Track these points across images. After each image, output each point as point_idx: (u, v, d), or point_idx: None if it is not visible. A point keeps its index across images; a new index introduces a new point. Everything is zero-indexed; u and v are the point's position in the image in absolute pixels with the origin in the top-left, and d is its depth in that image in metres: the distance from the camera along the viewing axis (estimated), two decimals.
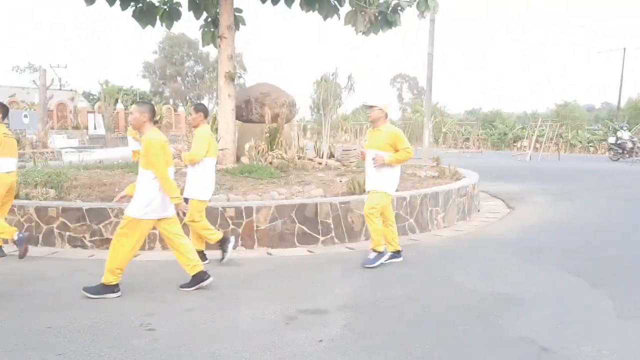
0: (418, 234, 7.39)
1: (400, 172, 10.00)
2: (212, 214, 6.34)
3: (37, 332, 3.70)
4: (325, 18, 10.87)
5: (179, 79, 78.61)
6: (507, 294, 4.62)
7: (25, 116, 32.87)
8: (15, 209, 6.50)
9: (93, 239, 6.34)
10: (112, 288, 4.51)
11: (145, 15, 11.02)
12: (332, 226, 6.76)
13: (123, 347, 3.42)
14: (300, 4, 10.67)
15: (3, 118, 5.76)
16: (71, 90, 40.29)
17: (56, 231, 6.39)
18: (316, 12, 10.77)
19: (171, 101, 65.62)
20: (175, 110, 48.79)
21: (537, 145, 26.33)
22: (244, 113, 11.49)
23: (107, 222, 6.31)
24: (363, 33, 10.91)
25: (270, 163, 10.36)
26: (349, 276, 5.18)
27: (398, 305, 4.33)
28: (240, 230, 6.42)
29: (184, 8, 11.33)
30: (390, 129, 5.54)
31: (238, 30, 12.42)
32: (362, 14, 10.52)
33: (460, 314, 4.09)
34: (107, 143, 36.53)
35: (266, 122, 10.76)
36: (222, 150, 10.38)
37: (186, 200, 5.37)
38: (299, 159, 10.92)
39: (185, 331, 3.72)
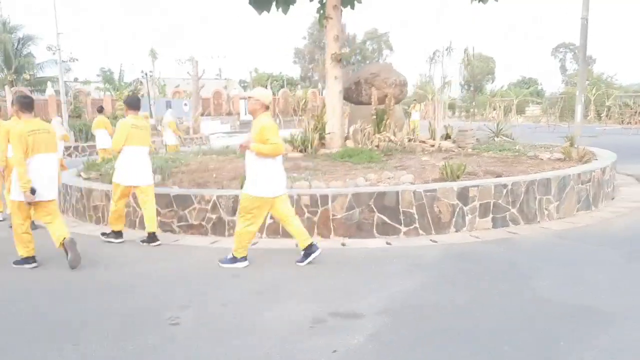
0: (521, 226, 6.50)
1: (517, 153, 9.08)
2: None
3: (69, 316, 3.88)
4: None
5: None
6: (592, 307, 3.77)
7: (185, 104, 36.21)
8: None
9: (180, 224, 6.60)
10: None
11: (260, 2, 11.18)
12: (415, 216, 6.22)
13: (137, 342, 3.42)
14: None
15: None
16: (225, 79, 43.29)
17: None
18: None
19: (319, 85, 67.53)
20: (320, 93, 50.03)
21: None
22: (354, 95, 11.19)
23: (191, 208, 6.51)
24: (479, 1, 9.90)
25: (377, 146, 9.94)
26: (411, 274, 4.68)
27: (448, 313, 3.77)
28: (315, 218, 6.20)
29: None
30: (262, 121, 5.04)
31: (353, 9, 12.10)
32: None
33: (518, 332, 3.41)
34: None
35: (372, 103, 10.32)
36: (328, 134, 10.25)
37: None
38: (409, 141, 10.35)
39: (206, 328, 3.62)
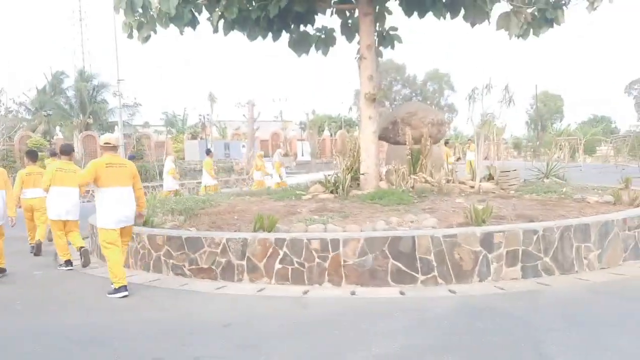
0: (555, 276, 5.87)
1: (562, 196, 8.38)
2: (297, 247, 5.93)
3: None
4: (472, 24, 9.74)
5: (387, 103, 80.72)
6: None
7: (243, 146, 37.06)
8: (135, 235, 7.01)
9: (191, 267, 6.46)
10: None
11: (299, 44, 11.25)
12: (434, 263, 5.75)
13: None
14: (443, 12, 9.73)
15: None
16: (283, 120, 44.16)
17: (162, 258, 6.69)
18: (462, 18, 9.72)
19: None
20: None
21: None
22: (391, 135, 10.89)
23: (201, 251, 6.37)
24: (519, 37, 9.46)
25: (412, 187, 9.53)
26: (409, 332, 4.23)
27: None
28: (326, 264, 5.87)
29: (337, 33, 11.34)
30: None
31: (393, 49, 11.95)
32: (517, 14, 9.11)
33: None
34: (312, 168, 39.01)
35: (407, 143, 9.98)
36: (362, 174, 9.97)
37: None
38: (447, 182, 9.86)
39: None
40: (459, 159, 15.55)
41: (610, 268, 6.16)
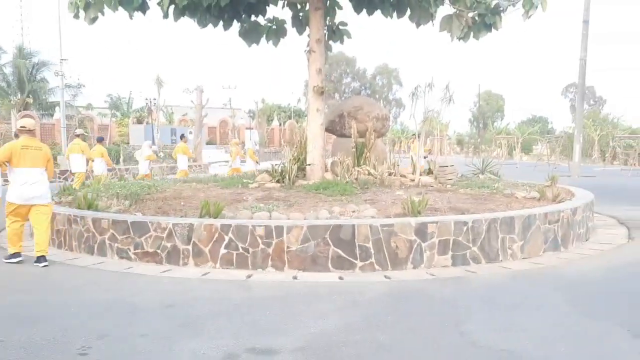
0: (482, 265, 6.36)
1: (494, 191, 8.97)
2: (242, 233, 6.15)
3: None
4: (417, 25, 10.16)
5: (336, 95, 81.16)
6: (515, 353, 3.63)
7: (190, 132, 36.56)
8: (78, 218, 7.02)
9: (136, 251, 6.55)
10: None
11: (250, 34, 11.31)
12: (372, 251, 6.12)
13: None
14: (390, 11, 10.10)
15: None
16: (232, 108, 43.82)
17: (107, 242, 6.74)
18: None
19: None
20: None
21: None
22: (338, 127, 11.23)
23: (147, 235, 6.47)
24: (460, 38, 9.95)
25: (356, 179, 9.89)
26: (344, 312, 4.56)
27: (365, 352, 3.65)
28: (270, 250, 6.12)
29: (288, 25, 11.47)
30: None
31: (342, 43, 12.24)
32: (458, 17, 9.59)
33: None
34: (260, 157, 38.92)
35: (352, 136, 10.33)
36: (309, 165, 10.23)
37: None
38: (389, 175, 10.29)
39: (112, 359, 3.53)
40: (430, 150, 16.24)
41: (531, 258, 6.72)
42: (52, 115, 33.12)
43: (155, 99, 32.15)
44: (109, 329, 4.09)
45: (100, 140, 16.10)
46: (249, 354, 3.60)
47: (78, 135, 14.27)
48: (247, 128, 45.01)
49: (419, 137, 11.31)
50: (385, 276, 5.88)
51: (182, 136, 18.44)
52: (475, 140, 61.37)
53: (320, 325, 4.19)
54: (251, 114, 49.21)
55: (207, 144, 36.87)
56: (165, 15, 9.82)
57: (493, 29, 9.70)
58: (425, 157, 14.10)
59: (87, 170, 14.19)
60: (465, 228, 6.37)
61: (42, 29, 78.64)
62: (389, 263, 6.13)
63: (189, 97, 32.03)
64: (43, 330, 4.03)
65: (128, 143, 30.55)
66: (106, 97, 37.66)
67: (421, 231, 6.23)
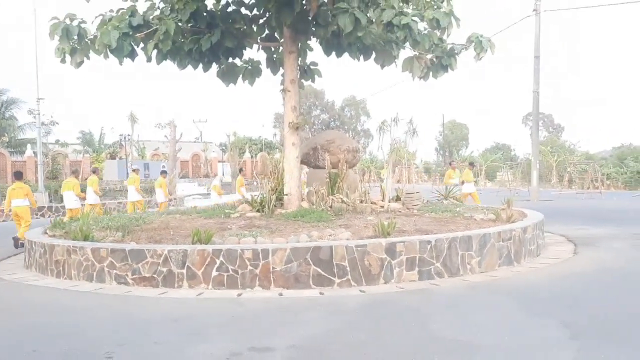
0: (445, 279, 7.21)
1: (455, 214, 9.92)
2: (232, 256, 6.87)
3: None
4: (382, 66, 11.21)
5: (306, 127, 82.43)
6: (470, 342, 4.46)
7: (163, 167, 36.98)
8: (77, 249, 7.61)
9: (134, 277, 7.18)
10: None
11: (228, 75, 12.15)
12: (348, 269, 6.91)
13: None
14: (357, 54, 11.12)
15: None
16: (204, 142, 44.47)
17: (106, 269, 7.35)
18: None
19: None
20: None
21: None
22: (312, 159, 12.09)
23: (144, 262, 7.12)
24: (420, 78, 11.03)
25: (330, 207, 10.72)
26: (328, 319, 5.33)
27: (349, 348, 4.41)
28: (257, 271, 6.85)
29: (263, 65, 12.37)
30: None
31: (313, 82, 13.24)
32: (418, 60, 10.68)
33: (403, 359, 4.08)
34: (233, 189, 39.41)
35: (326, 167, 11.21)
36: (286, 195, 11.02)
37: None
38: (360, 202, 11.16)
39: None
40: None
41: (487, 272, 7.61)
42: (23, 153, 33.16)
43: (129, 135, 32.56)
44: (126, 339, 4.75)
45: (163, 172, 18.84)
46: (250, 352, 4.32)
47: (75, 173, 15.12)
48: (219, 161, 45.62)
49: (387, 167, 12.24)
50: (361, 290, 6.66)
51: (163, 172, 19.51)
52: (441, 168, 63.17)
53: (308, 329, 4.94)
54: (223, 147, 49.88)
55: (181, 177, 37.26)
56: (149, 60, 10.59)
57: (449, 69, 10.83)
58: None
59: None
60: (429, 246, 7.24)
61: (9, 65, 78.28)
62: (363, 279, 6.93)
63: (161, 132, 32.66)
64: (70, 343, 4.67)
65: (101, 178, 30.80)
66: (79, 133, 37.93)
67: (391, 250, 7.06)
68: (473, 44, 10.41)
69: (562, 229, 11.94)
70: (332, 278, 6.88)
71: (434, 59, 10.82)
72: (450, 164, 19.95)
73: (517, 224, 8.67)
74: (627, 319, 5.15)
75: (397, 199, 11.95)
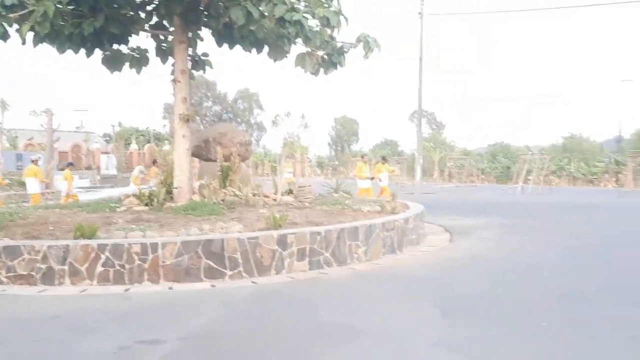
0: (333, 267, 7.54)
1: (344, 207, 10.37)
2: (119, 251, 6.64)
3: None
4: (275, 60, 11.33)
5: (197, 119, 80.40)
6: (351, 325, 4.76)
7: (39, 158, 34.18)
8: None
9: (8, 274, 6.69)
10: None
11: (113, 62, 11.58)
12: (240, 261, 6.98)
13: None
14: (249, 47, 11.15)
15: None
16: (86, 132, 41.86)
17: None
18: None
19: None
20: None
21: (530, 178, 26.15)
22: (204, 152, 11.93)
23: (20, 258, 6.66)
24: (312, 73, 11.32)
25: (222, 200, 10.67)
26: (218, 310, 5.39)
27: (240, 337, 4.51)
28: (146, 265, 6.69)
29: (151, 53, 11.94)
30: None
31: (204, 73, 13.04)
32: (310, 56, 10.95)
33: (291, 343, 4.26)
34: (118, 182, 37.56)
35: (217, 160, 11.14)
36: (176, 188, 10.78)
37: None
38: (253, 195, 11.22)
39: None
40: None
41: (373, 260, 8.07)
42: None
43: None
44: (4, 337, 4.46)
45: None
46: (139, 345, 4.27)
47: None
48: (103, 152, 43.17)
49: (279, 161, 12.44)
50: (252, 282, 6.77)
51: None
52: (333, 163, 64.96)
53: (199, 320, 4.96)
54: (107, 138, 47.25)
55: (59, 169, 34.76)
56: (23, 42, 9.83)
57: (339, 66, 11.22)
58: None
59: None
60: (319, 237, 7.52)
61: None
62: (255, 270, 7.04)
63: (36, 120, 30.26)
64: None
65: None
66: None
67: (282, 242, 7.24)
68: (361, 43, 10.88)
69: (441, 219, 12.89)
70: (223, 270, 6.91)
71: (325, 56, 11.15)
72: (362, 158, 20.35)
73: (400, 215, 9.26)
74: (491, 298, 5.77)
75: (290, 192, 12.18)
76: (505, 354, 4.03)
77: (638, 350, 4.16)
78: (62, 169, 16.68)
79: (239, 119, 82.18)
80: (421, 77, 24.11)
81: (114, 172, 39.52)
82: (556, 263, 7.87)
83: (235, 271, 6.95)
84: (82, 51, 11.03)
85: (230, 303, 5.67)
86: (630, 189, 22.64)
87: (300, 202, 11.47)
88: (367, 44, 10.73)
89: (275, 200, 11.37)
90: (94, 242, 6.72)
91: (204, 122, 79.57)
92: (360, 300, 5.73)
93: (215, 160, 11.59)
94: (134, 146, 46.36)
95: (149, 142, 48.88)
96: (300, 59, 11.05)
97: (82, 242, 6.76)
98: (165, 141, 53.08)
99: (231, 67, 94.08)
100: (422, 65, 24.03)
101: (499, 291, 6.09)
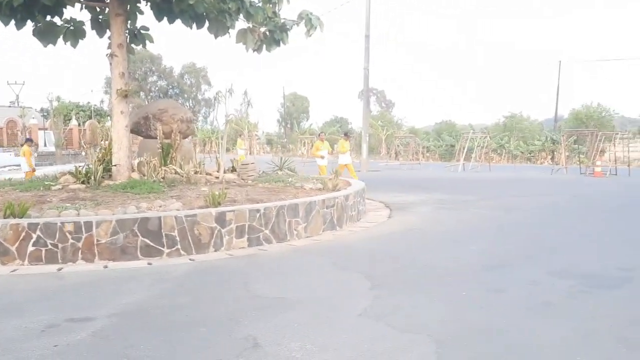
0: (273, 244, 7.66)
1: (287, 184, 10.47)
2: (51, 230, 6.51)
3: None
4: (216, 36, 11.17)
5: (142, 94, 78.04)
6: (284, 298, 4.91)
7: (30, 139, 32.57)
8: None
9: None
10: None
11: (46, 34, 11.11)
12: (177, 239, 6.98)
13: None
14: (189, 22, 10.93)
15: None
16: (21, 107, 39.89)
17: None
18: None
19: None
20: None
21: (472, 156, 27.05)
22: (144, 129, 11.69)
23: None
24: (254, 50, 11.25)
25: (163, 178, 10.54)
26: (153, 286, 5.41)
27: (173, 312, 4.57)
28: (79, 244, 6.59)
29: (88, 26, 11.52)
30: None
31: (145, 47, 12.70)
32: (252, 32, 10.86)
33: (222, 315, 4.36)
34: (57, 160, 36.21)
35: (158, 137, 10.96)
36: (114, 166, 10.56)
37: None
38: (195, 173, 11.14)
39: None
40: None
41: (312, 236, 8.24)
42: None
43: None
44: None
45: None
46: (69, 323, 4.25)
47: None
48: (40, 129, 41.41)
49: (222, 138, 12.35)
50: (190, 259, 6.80)
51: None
52: (282, 140, 64.77)
53: (132, 298, 4.97)
54: (44, 113, 45.27)
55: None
56: None
57: (282, 44, 11.19)
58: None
59: None
60: (258, 215, 7.60)
61: None
62: (193, 248, 7.06)
63: None
64: None
65: None
66: None
67: (221, 219, 7.28)
68: (304, 20, 10.89)
69: (383, 196, 13.22)
70: (161, 248, 6.89)
71: (267, 33, 11.09)
72: (319, 136, 20.26)
73: (341, 192, 9.45)
74: (420, 271, 6.04)
75: (233, 169, 12.16)
76: (425, 322, 4.27)
77: (547, 314, 4.50)
78: (22, 145, 16.86)
79: (185, 95, 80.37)
80: (368, 55, 24.26)
81: (52, 149, 38.01)
82: (487, 235, 8.29)
83: (173, 249, 6.95)
84: (13, 23, 10.56)
85: (165, 280, 5.69)
86: (562, 166, 23.83)
87: (242, 179, 11.48)
88: (310, 21, 10.75)
89: (217, 178, 11.34)
90: (24, 221, 6.55)
91: (149, 97, 77.28)
92: (296, 275, 5.88)
93: (155, 138, 11.40)
94: (74, 122, 44.62)
95: (90, 118, 47.18)
96: (242, 35, 10.96)
97: (12, 221, 6.57)
98: (108, 117, 51.37)
99: (178, 42, 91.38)
100: (369, 43, 24.15)
101: (428, 263, 6.38)
